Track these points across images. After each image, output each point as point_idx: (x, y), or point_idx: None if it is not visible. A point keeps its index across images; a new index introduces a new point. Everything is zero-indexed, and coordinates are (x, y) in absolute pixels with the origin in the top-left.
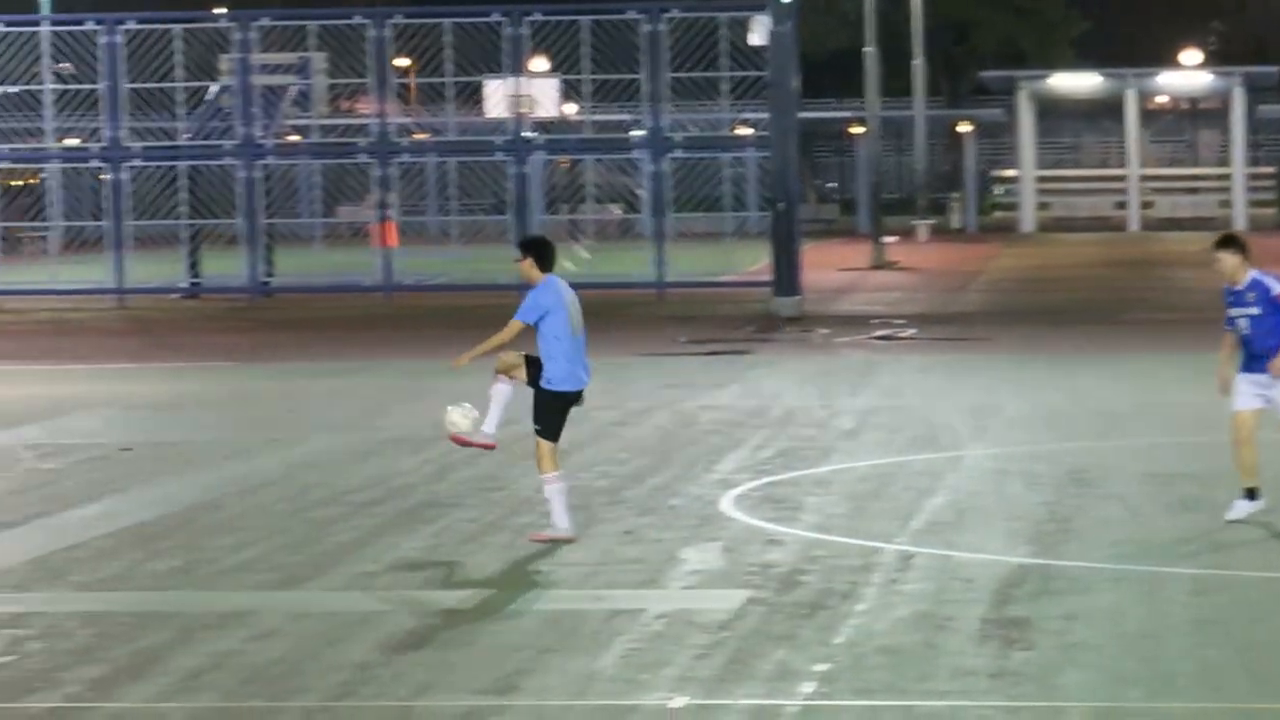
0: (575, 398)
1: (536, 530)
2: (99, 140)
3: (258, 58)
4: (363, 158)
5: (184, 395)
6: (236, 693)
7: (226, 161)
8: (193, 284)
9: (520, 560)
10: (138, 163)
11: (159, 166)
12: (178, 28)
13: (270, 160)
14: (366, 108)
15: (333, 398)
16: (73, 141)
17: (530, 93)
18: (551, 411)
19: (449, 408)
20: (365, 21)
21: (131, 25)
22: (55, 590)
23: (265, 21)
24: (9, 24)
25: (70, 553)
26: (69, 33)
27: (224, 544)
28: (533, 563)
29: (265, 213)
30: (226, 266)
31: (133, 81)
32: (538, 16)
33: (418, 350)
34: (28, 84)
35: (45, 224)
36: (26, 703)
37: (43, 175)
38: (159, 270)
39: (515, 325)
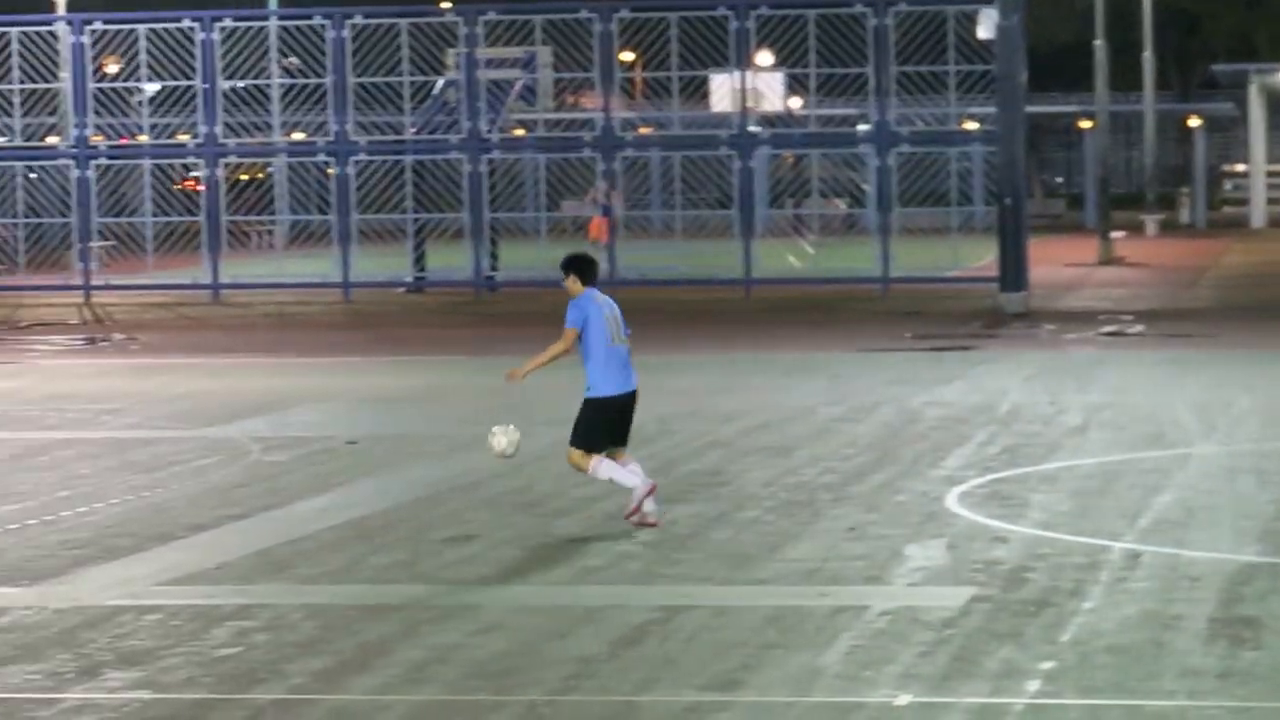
0: (619, 403)
1: (628, 510)
2: (325, 134)
3: (483, 52)
4: (587, 152)
5: (409, 389)
6: (460, 686)
7: (452, 156)
8: (417, 278)
9: (743, 555)
10: (363, 157)
11: (384, 160)
12: (404, 22)
13: (495, 154)
14: (591, 102)
15: (556, 391)
16: (299, 136)
17: (756, 87)
18: (590, 422)
19: (493, 429)
20: (591, 15)
21: (358, 19)
22: (280, 583)
23: (491, 15)
24: (237, 19)
25: (295, 545)
26: (296, 27)
27: (450, 536)
28: (756, 558)
29: (490, 207)
30: (451, 260)
31: (359, 76)
32: (764, 10)
33: (640, 345)
34: (255, 78)
35: (272, 218)
36: (253, 694)
37: (270, 169)
38: (384, 264)
39: (569, 333)
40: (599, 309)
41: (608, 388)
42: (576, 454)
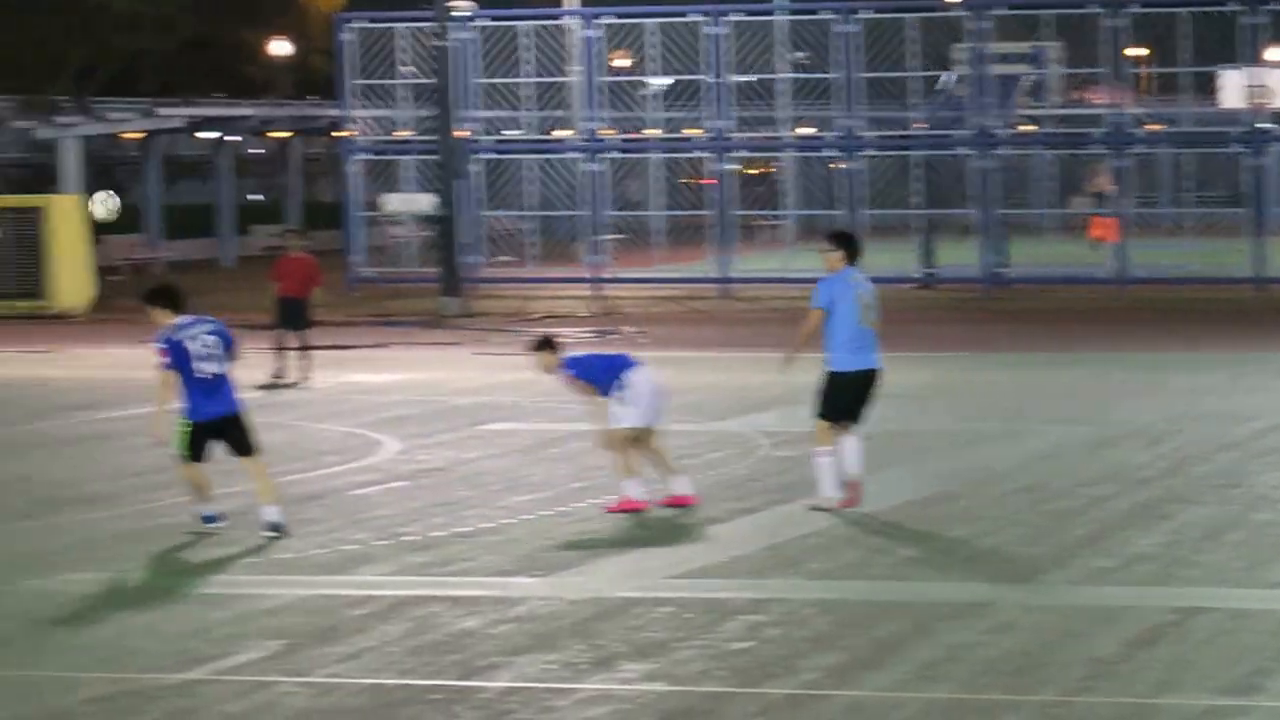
0: (856, 379)
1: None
2: (833, 129)
3: (992, 47)
4: (1097, 148)
5: (918, 384)
6: (973, 684)
7: (960, 152)
8: (927, 274)
9: (1259, 558)
10: (871, 152)
11: (892, 156)
12: (912, 16)
13: (1003, 150)
14: (1099, 98)
15: (1066, 389)
16: (807, 130)
17: (1266, 83)
18: (831, 392)
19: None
20: (1100, 10)
21: (866, 14)
22: (791, 577)
23: (1000, 10)
24: (748, 14)
25: (806, 540)
26: (804, 22)
27: (960, 534)
28: (1272, 561)
29: (999, 203)
30: (960, 256)
31: (867, 70)
32: (1276, 5)
33: (1150, 343)
34: (762, 73)
35: (780, 213)
36: (765, 688)
37: (778, 164)
38: (894, 260)
39: (814, 314)
40: (850, 289)
41: (845, 364)
42: (821, 426)
